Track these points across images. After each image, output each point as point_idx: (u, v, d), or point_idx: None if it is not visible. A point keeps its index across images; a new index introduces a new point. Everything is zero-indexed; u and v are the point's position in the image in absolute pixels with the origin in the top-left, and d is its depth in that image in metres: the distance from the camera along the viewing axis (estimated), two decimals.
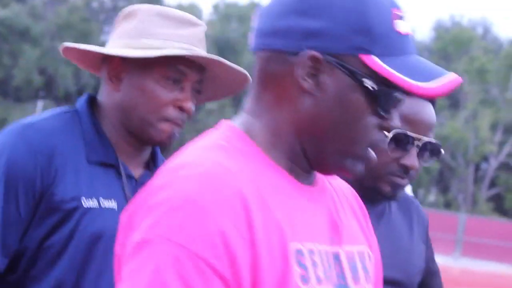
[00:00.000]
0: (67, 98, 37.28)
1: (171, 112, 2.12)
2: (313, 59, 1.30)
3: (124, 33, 2.17)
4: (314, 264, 1.29)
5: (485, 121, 36.83)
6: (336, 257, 1.36)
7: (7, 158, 2.03)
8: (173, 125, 2.14)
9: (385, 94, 1.31)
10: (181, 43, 2.13)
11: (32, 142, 2.04)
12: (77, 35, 37.84)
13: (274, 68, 1.34)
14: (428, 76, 1.31)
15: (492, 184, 41.81)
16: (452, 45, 41.63)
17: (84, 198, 2.05)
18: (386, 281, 2.09)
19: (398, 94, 1.33)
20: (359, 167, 1.36)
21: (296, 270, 1.26)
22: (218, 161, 1.26)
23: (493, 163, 39.12)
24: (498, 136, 38.31)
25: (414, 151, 2.11)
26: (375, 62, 1.30)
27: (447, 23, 48.68)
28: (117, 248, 1.28)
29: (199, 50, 2.15)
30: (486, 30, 50.00)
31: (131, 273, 1.19)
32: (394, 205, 2.38)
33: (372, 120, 1.33)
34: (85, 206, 2.05)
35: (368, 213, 1.57)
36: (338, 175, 1.41)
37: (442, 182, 40.40)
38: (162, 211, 1.20)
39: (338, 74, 1.31)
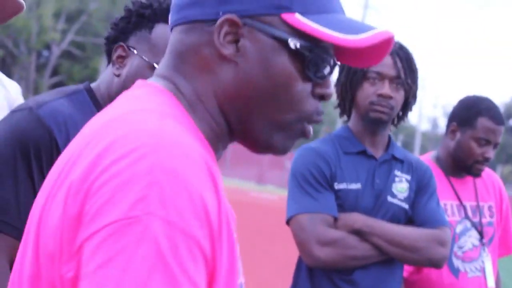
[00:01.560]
0: None
1: None
2: (230, 23, 1.23)
3: None
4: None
5: (48, 9, 36.03)
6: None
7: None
8: None
9: (312, 54, 1.24)
10: None
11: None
12: None
13: (191, 40, 1.26)
14: (356, 30, 1.23)
15: (55, 72, 40.85)
16: None
17: None
18: None
19: (325, 54, 1.26)
20: (290, 144, 1.29)
21: (239, 263, 1.22)
22: (181, 130, 1.15)
23: (56, 51, 38.41)
24: (60, 24, 37.55)
25: None
26: (297, 19, 1.23)
27: None
28: (67, 223, 1.09)
29: None
30: None
31: (118, 255, 1.01)
32: None
33: (305, 87, 1.25)
34: None
35: None
36: (267, 152, 1.30)
37: (5, 69, 39.44)
38: (145, 185, 1.04)
39: (260, 37, 1.23)
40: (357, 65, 1.34)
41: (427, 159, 3.61)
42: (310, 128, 1.28)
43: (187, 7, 1.27)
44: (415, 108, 3.13)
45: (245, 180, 35.12)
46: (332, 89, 1.28)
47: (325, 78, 1.27)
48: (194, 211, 1.06)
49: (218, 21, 1.23)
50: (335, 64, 1.28)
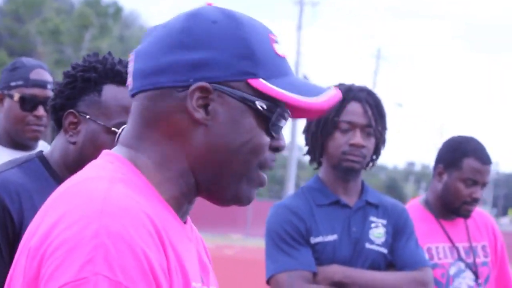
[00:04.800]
0: None
1: None
2: (202, 89, 1.31)
3: None
4: None
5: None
6: None
7: None
8: None
9: (275, 114, 1.34)
10: None
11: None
12: None
13: (160, 106, 1.33)
14: (313, 93, 1.35)
15: None
16: (23, 6, 39.85)
17: None
18: None
19: (285, 112, 1.36)
20: (253, 193, 1.38)
21: None
22: (129, 195, 1.25)
23: None
24: None
25: None
26: (263, 84, 1.33)
27: None
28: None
29: None
30: None
31: None
32: None
33: (266, 141, 1.35)
34: None
35: None
36: (234, 203, 1.39)
37: None
38: (91, 248, 1.17)
39: (229, 101, 1.32)
40: (305, 117, 1.46)
41: (416, 203, 3.58)
42: (266, 177, 1.38)
43: (155, 74, 1.33)
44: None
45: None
46: (285, 141, 1.40)
47: (280, 132, 1.38)
48: (138, 268, 1.18)
49: (191, 88, 1.31)
50: (288, 117, 1.39)
